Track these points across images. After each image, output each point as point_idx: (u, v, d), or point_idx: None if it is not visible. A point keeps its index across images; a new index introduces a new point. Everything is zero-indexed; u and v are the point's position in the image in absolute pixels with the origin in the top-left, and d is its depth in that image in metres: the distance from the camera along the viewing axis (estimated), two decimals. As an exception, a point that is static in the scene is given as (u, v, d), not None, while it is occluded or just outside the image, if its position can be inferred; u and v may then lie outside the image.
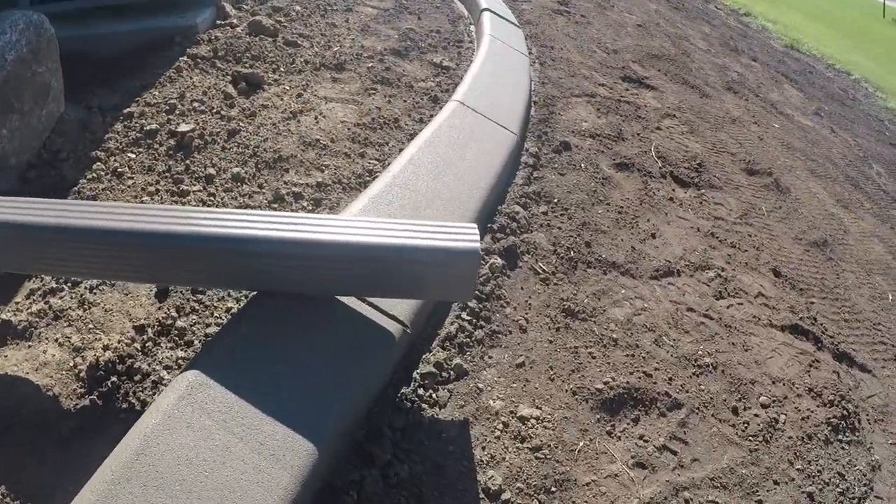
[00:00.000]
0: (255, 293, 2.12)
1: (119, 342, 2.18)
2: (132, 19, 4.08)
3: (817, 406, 2.90)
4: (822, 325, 3.45)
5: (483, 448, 2.08)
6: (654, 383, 2.54)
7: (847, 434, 2.86)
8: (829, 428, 2.81)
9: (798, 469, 2.55)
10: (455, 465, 1.99)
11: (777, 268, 3.72)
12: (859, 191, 5.71)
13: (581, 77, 5.35)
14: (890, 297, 4.20)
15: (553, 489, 2.03)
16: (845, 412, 2.93)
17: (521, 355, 2.48)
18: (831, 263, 4.17)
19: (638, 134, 4.61)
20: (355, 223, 2.04)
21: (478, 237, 2.03)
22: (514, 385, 2.35)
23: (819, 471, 2.60)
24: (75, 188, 2.84)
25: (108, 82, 3.54)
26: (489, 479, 1.98)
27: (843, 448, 2.78)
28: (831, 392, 2.99)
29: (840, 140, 6.95)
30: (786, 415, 2.75)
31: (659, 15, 8.72)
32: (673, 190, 4.07)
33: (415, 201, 2.80)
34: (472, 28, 5.92)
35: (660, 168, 4.23)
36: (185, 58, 3.84)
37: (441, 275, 2.03)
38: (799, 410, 2.81)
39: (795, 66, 9.39)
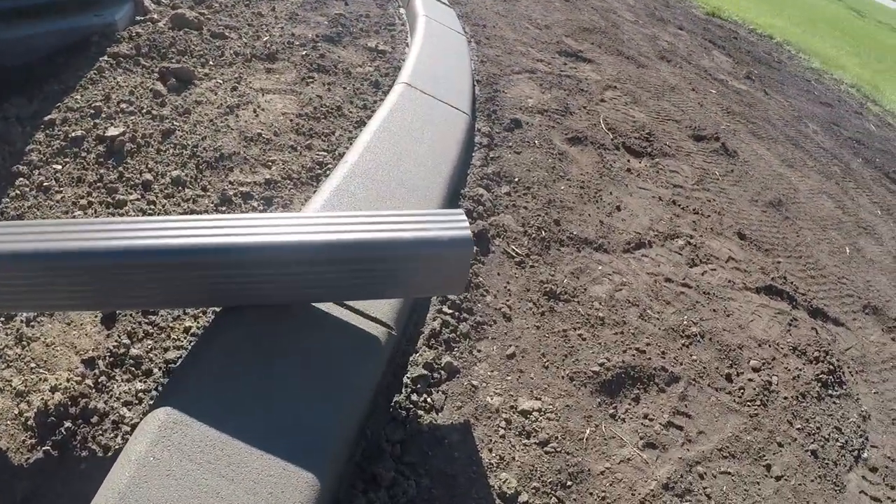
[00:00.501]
0: (218, 308, 1.93)
1: (68, 380, 1.92)
2: (43, 20, 3.77)
3: (804, 364, 2.90)
4: (792, 283, 3.47)
5: (490, 450, 1.97)
6: (649, 359, 2.48)
7: (836, 388, 2.87)
8: (820, 384, 2.82)
9: (798, 429, 2.53)
10: (464, 472, 1.87)
11: (741, 230, 3.73)
12: (800, 150, 5.83)
13: (518, 54, 5.28)
14: (847, 250, 4.28)
15: (569, 483, 1.94)
16: (831, 367, 2.94)
17: (510, 345, 2.38)
18: (789, 222, 4.22)
19: (584, 107, 4.57)
20: (330, 219, 1.84)
21: (467, 223, 1.89)
22: (509, 378, 2.25)
23: (818, 428, 2.59)
24: (-4, 209, 2.58)
25: (24, 90, 3.25)
26: (503, 482, 1.87)
27: (834, 403, 2.79)
28: (815, 349, 3.00)
29: (774, 102, 7.09)
30: (777, 376, 2.74)
31: (582, -11, 8.75)
32: (628, 161, 4.04)
33: (378, 191, 2.67)
34: (402, 10, 5.80)
35: (612, 140, 4.20)
36: (105, 57, 3.56)
37: (434, 268, 1.89)
38: (788, 370, 2.80)
39: (720, 32, 9.57)
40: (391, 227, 1.83)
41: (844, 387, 2.92)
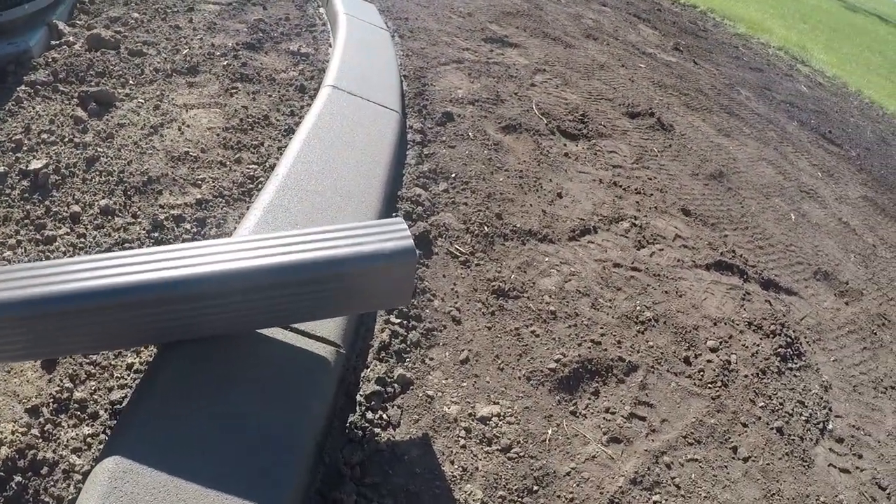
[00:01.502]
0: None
1: (13, 432, 1.83)
2: None
3: (761, 339, 2.94)
4: (742, 256, 3.52)
5: (452, 462, 1.93)
6: (605, 350, 2.48)
7: (795, 361, 2.92)
8: (779, 359, 2.86)
9: (762, 406, 2.56)
10: (428, 488, 1.83)
11: (685, 206, 3.77)
12: (735, 117, 5.94)
13: (444, 44, 5.25)
14: (792, 216, 4.37)
15: (535, 488, 1.91)
16: (788, 339, 2.99)
17: (462, 350, 2.34)
18: (731, 193, 4.29)
19: (515, 93, 4.56)
20: (264, 241, 1.77)
21: (408, 232, 1.83)
22: (465, 384, 2.21)
23: (781, 404, 2.62)
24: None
25: None
26: (469, 495, 1.83)
27: (795, 376, 2.83)
28: (770, 322, 3.04)
29: (704, 71, 7.22)
30: (735, 354, 2.76)
31: (502, -28, 8.77)
32: (565, 145, 4.04)
33: (313, 202, 2.60)
34: (322, 10, 5.72)
35: (546, 125, 4.20)
36: (23, 87, 3.42)
37: (378, 282, 1.83)
38: (746, 347, 2.84)
39: (643, 5, 9.71)
40: (329, 244, 1.76)
41: (803, 358, 2.97)
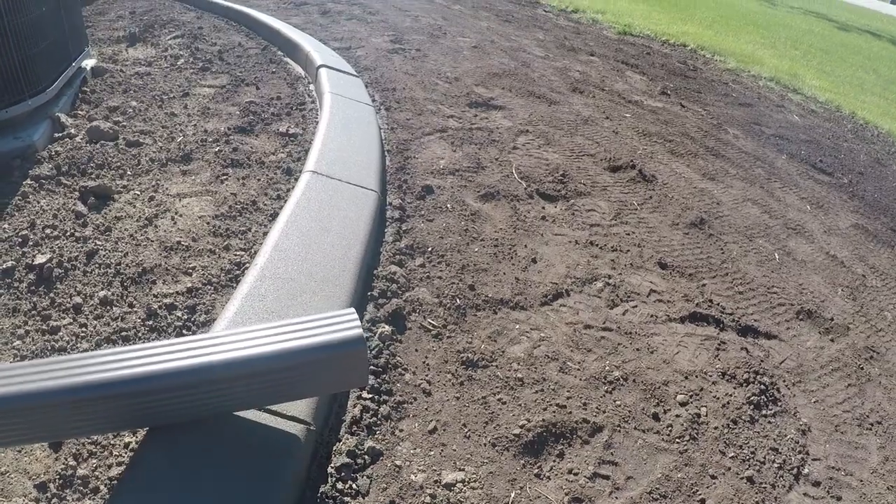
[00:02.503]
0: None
1: None
2: None
3: (734, 388, 3.04)
4: (718, 304, 3.64)
5: (414, 531, 2.07)
6: (570, 413, 2.61)
7: (770, 407, 3.01)
8: (752, 406, 2.96)
9: (731, 457, 2.66)
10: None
11: (662, 259, 3.90)
12: (721, 159, 6.09)
13: (429, 113, 5.48)
14: (777, 256, 4.48)
15: (494, 556, 2.04)
16: (763, 386, 3.09)
17: (430, 420, 2.49)
18: (713, 240, 4.41)
19: (496, 159, 4.76)
20: (231, 337, 2.01)
21: (357, 323, 2.04)
22: (432, 453, 2.36)
23: (752, 452, 2.72)
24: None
25: None
26: (427, 565, 1.97)
27: (769, 422, 2.93)
28: (744, 370, 3.15)
29: (692, 114, 7.39)
30: (706, 406, 2.88)
31: (491, 31, 9.07)
32: (543, 208, 4.21)
33: (289, 290, 2.79)
34: (312, 87, 5.98)
35: (525, 189, 4.37)
36: (28, 181, 3.68)
37: (331, 369, 2.03)
38: (717, 398, 2.95)
39: (632, 50, 9.95)
40: (285, 337, 2.00)
41: (780, 403, 3.07)
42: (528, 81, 6.92)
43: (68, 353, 2.68)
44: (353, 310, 2.13)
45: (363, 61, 6.82)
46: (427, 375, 2.71)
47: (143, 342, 2.73)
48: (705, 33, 12.37)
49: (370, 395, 2.55)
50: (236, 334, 2.02)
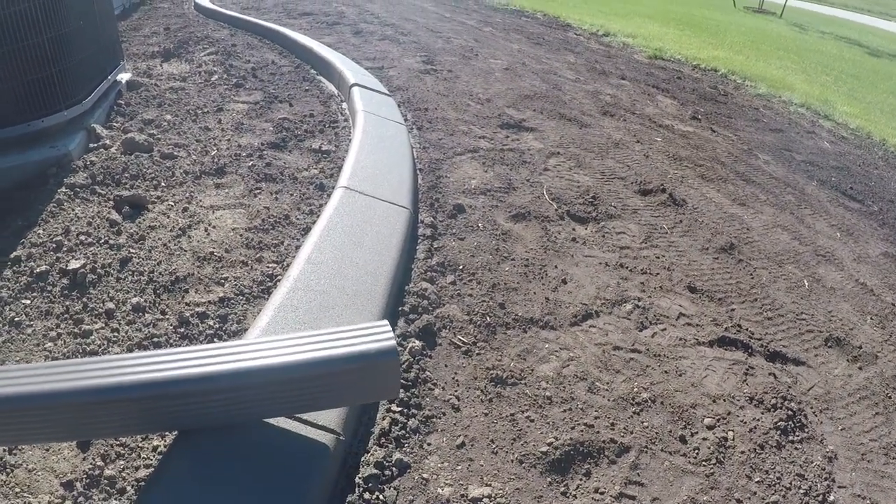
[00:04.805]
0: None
1: (49, 503, 2.14)
2: (4, 156, 4.01)
3: (762, 413, 3.04)
4: (747, 330, 3.64)
5: (442, 544, 2.10)
6: (598, 432, 2.63)
7: (797, 433, 3.00)
8: (779, 432, 2.95)
9: (757, 482, 2.66)
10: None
11: (691, 283, 3.91)
12: (752, 184, 6.07)
13: (460, 134, 5.54)
14: (806, 283, 4.46)
15: (522, 572, 2.06)
16: (790, 412, 3.08)
17: (459, 435, 2.52)
18: (742, 265, 4.41)
19: (528, 180, 4.80)
20: (269, 344, 2.06)
21: (391, 334, 2.07)
22: (459, 467, 2.39)
23: (778, 478, 2.72)
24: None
25: None
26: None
27: (796, 448, 2.92)
28: (772, 396, 3.14)
29: (722, 139, 7.38)
30: (733, 431, 2.88)
31: (523, 54, 9.14)
32: (573, 229, 4.24)
33: (320, 302, 2.84)
34: (345, 105, 6.06)
35: (556, 210, 4.41)
36: (63, 189, 3.77)
37: (364, 380, 2.07)
38: (745, 423, 2.94)
39: (663, 74, 9.97)
40: (320, 346, 2.05)
41: (806, 430, 3.06)
42: (560, 104, 6.97)
43: (100, 356, 2.72)
44: (386, 322, 2.17)
45: (395, 81, 6.91)
46: (456, 391, 2.74)
47: (177, 347, 2.80)
48: (736, 58, 12.34)
49: (399, 409, 2.59)
50: (272, 341, 2.07)
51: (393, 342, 2.05)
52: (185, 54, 7.39)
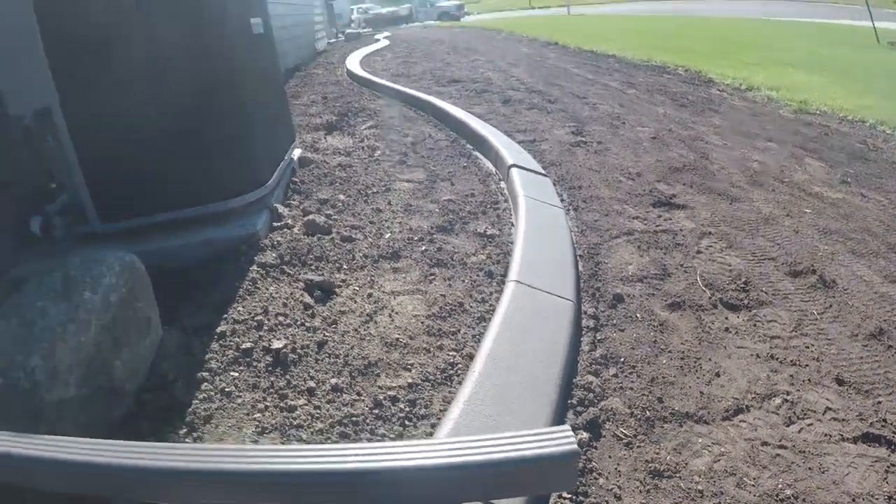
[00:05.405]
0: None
1: None
2: (195, 231, 4.41)
3: (901, 511, 3.33)
4: (892, 424, 3.88)
5: None
6: (748, 528, 3.03)
7: (936, 533, 3.27)
8: (916, 532, 3.24)
9: (895, 580, 2.98)
10: None
11: (839, 375, 4.17)
12: (905, 259, 6.15)
13: (615, 214, 5.99)
14: (956, 371, 4.60)
15: None
16: (929, 511, 3.35)
17: (621, 523, 3.00)
18: (891, 352, 4.59)
19: (681, 265, 5.19)
20: (461, 444, 2.34)
21: (573, 439, 2.48)
22: (623, 554, 2.87)
23: (914, 577, 3.02)
24: (189, 408, 3.22)
25: (189, 297, 4.05)
26: None
27: (933, 549, 3.19)
28: (912, 494, 3.42)
29: (873, 204, 7.37)
30: (872, 529, 3.19)
31: (668, 119, 9.46)
32: (726, 318, 4.60)
33: (502, 395, 3.36)
34: (503, 184, 6.61)
35: (709, 298, 4.79)
36: (255, 266, 4.30)
37: (546, 477, 2.49)
38: (884, 521, 3.25)
39: (810, 132, 9.96)
40: (511, 448, 2.42)
41: (948, 530, 3.31)
42: (708, 175, 7.27)
43: (305, 430, 3.19)
44: (568, 426, 2.63)
45: (548, 156, 7.42)
46: (618, 481, 3.21)
47: (370, 434, 3.22)
48: (885, 105, 12.00)
49: (569, 495, 3.08)
50: (475, 441, 2.39)
51: (575, 446, 2.40)
52: (346, 127, 8.15)
